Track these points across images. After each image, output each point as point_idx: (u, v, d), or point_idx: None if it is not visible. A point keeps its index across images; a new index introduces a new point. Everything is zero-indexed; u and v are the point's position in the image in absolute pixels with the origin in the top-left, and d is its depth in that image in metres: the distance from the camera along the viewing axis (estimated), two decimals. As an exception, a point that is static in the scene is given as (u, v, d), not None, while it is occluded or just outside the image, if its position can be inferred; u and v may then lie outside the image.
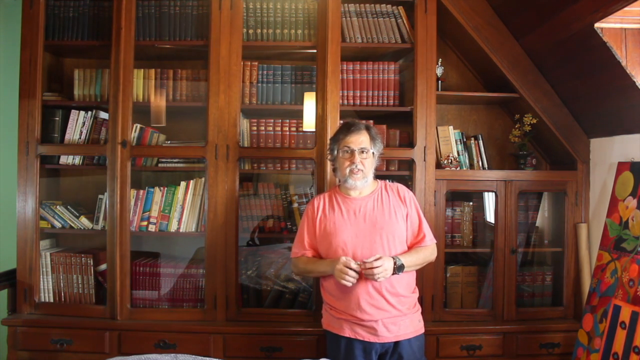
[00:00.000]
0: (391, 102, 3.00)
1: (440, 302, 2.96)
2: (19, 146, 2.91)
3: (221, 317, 2.89)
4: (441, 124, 3.16)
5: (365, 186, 2.37)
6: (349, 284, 2.21)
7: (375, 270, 2.16)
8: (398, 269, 2.23)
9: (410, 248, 2.38)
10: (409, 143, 3.00)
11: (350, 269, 2.20)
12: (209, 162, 2.88)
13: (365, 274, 2.20)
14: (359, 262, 2.22)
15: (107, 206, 2.89)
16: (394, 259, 2.24)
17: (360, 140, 2.33)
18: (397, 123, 3.06)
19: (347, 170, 2.32)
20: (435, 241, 2.45)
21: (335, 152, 2.38)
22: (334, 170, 2.45)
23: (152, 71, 2.99)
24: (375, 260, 2.18)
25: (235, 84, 2.88)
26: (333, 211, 2.38)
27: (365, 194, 2.39)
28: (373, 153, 2.36)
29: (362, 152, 2.32)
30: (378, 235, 2.30)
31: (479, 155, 3.13)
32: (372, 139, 2.36)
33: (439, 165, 3.01)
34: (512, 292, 3.00)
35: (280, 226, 3.03)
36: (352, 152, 2.32)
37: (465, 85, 3.31)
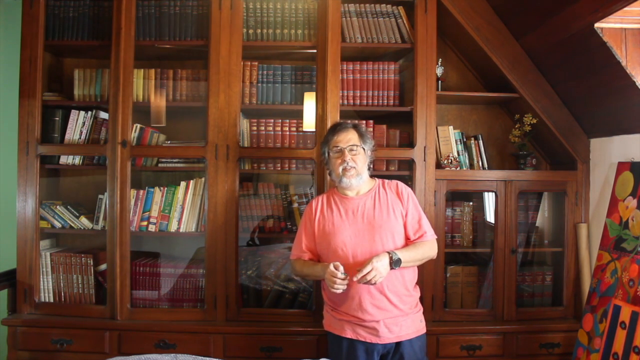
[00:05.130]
0: (391, 102, 3.00)
1: (440, 302, 2.96)
2: (19, 146, 2.91)
3: (221, 317, 2.89)
4: (441, 124, 3.16)
5: (360, 184, 2.37)
6: (339, 291, 2.20)
7: (368, 277, 2.15)
8: (394, 263, 2.21)
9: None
10: (409, 143, 3.00)
11: (337, 277, 2.18)
12: (209, 162, 2.88)
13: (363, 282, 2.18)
14: (346, 273, 2.19)
15: (107, 206, 2.89)
16: (389, 253, 2.22)
17: (348, 138, 2.34)
18: (397, 123, 3.06)
19: (340, 169, 2.33)
20: (435, 237, 2.44)
21: (327, 154, 2.39)
22: (329, 173, 2.46)
23: (152, 71, 2.99)
24: (365, 270, 2.14)
25: (235, 84, 2.88)
26: (331, 212, 2.38)
27: (363, 192, 2.39)
28: (363, 149, 2.36)
29: (352, 149, 2.33)
30: (377, 234, 2.30)
31: (479, 155, 3.13)
32: (361, 135, 2.37)
33: (439, 165, 3.01)
34: (512, 292, 3.00)
35: (280, 226, 3.03)
36: (342, 150, 2.33)
37: (465, 85, 3.31)
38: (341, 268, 2.20)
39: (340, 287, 2.19)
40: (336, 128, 2.39)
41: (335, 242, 2.32)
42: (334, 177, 2.41)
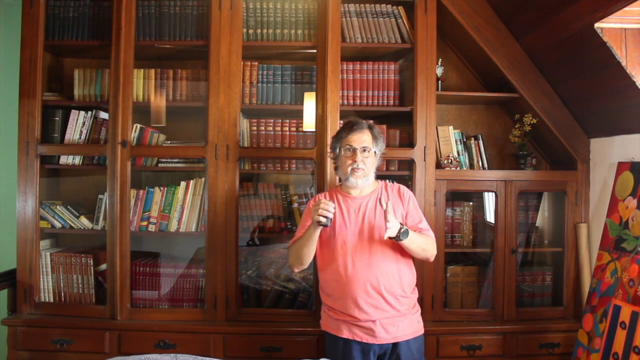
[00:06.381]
0: (391, 102, 3.00)
1: (440, 302, 2.96)
2: (19, 146, 2.91)
3: (221, 317, 2.89)
4: (441, 124, 3.16)
5: (366, 185, 2.37)
6: (323, 219, 2.18)
7: (388, 216, 2.16)
8: (402, 234, 2.21)
9: None
10: (409, 143, 3.00)
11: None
12: (209, 162, 2.88)
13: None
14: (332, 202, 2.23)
15: (107, 206, 2.89)
16: (401, 224, 2.22)
17: (362, 139, 2.32)
18: (397, 123, 3.06)
19: (349, 168, 2.32)
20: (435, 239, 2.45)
21: (338, 150, 2.37)
22: (336, 168, 2.45)
23: (152, 71, 2.99)
24: (388, 207, 2.19)
25: (235, 84, 2.88)
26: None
27: (366, 193, 2.39)
28: (375, 152, 2.35)
29: (364, 150, 2.32)
30: (377, 234, 2.30)
31: (479, 155, 3.13)
32: (375, 138, 2.36)
33: (439, 165, 3.01)
34: (512, 292, 3.00)
35: (280, 226, 3.03)
36: (354, 150, 2.31)
37: (465, 85, 3.31)
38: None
39: (326, 208, 2.18)
40: (353, 127, 2.35)
41: (335, 239, 2.32)
42: (340, 174, 2.41)
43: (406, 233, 2.22)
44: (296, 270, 2.45)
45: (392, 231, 2.18)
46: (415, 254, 2.34)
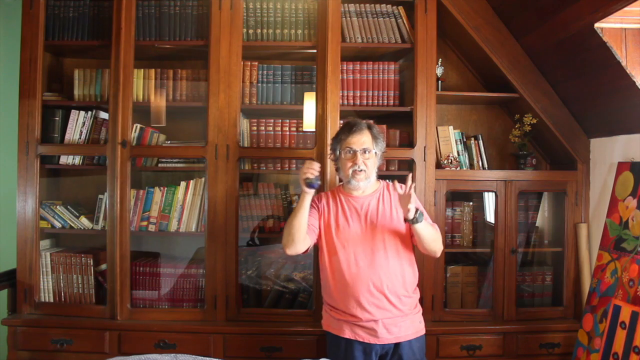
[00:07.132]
0: (391, 102, 3.00)
1: (440, 302, 2.96)
2: (19, 146, 2.91)
3: (221, 317, 2.89)
4: (441, 124, 3.16)
5: (368, 186, 2.37)
6: (311, 175, 2.21)
7: (409, 186, 2.18)
8: (419, 215, 2.21)
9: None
10: (409, 143, 3.00)
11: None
12: (209, 162, 2.88)
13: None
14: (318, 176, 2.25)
15: (107, 206, 2.89)
16: (417, 209, 2.22)
17: (362, 140, 2.31)
18: (397, 123, 3.06)
19: (350, 171, 2.31)
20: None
21: (338, 152, 2.37)
22: (337, 169, 2.44)
23: (152, 71, 2.99)
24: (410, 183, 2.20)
25: (235, 84, 2.88)
26: (336, 209, 2.37)
27: (368, 192, 2.39)
28: (375, 153, 2.35)
29: (365, 152, 2.31)
30: (379, 234, 2.30)
31: (479, 155, 3.13)
32: (375, 138, 2.35)
33: (439, 165, 3.01)
34: (512, 292, 3.00)
35: (280, 226, 3.03)
36: (355, 153, 2.30)
37: (465, 85, 3.31)
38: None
39: (310, 167, 2.23)
40: (352, 128, 2.32)
41: (337, 239, 2.32)
42: (342, 176, 2.40)
43: (421, 216, 2.23)
44: (288, 251, 2.31)
45: (411, 212, 2.18)
46: (426, 243, 2.30)
